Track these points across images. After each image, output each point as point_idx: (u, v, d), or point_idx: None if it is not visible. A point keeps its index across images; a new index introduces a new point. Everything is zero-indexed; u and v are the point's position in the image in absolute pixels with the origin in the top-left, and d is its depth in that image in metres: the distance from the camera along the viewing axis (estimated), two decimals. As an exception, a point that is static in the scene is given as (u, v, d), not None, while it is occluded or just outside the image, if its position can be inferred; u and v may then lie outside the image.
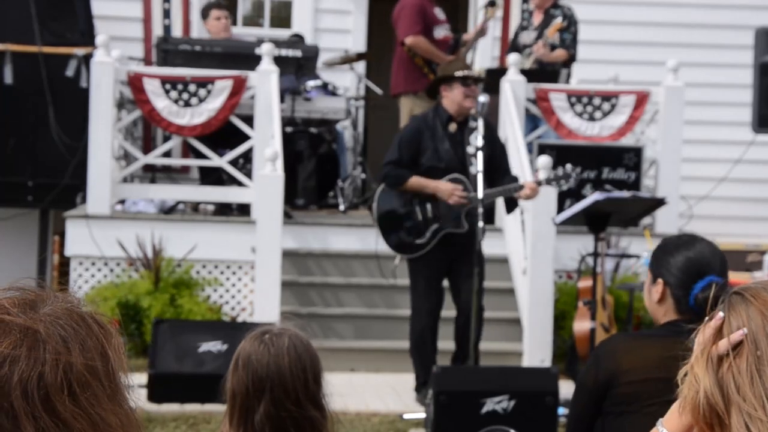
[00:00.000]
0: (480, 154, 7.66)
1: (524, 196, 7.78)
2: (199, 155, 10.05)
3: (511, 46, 10.89)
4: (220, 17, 10.77)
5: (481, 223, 7.56)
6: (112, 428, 1.59)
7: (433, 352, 7.97)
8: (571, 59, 10.56)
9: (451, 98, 7.87)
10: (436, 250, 7.83)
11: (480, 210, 7.58)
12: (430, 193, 7.82)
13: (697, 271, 3.77)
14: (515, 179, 7.97)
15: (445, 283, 8.05)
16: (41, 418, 1.52)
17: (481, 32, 10.42)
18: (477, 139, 7.70)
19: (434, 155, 7.83)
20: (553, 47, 10.46)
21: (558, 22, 10.40)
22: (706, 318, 2.12)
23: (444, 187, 7.77)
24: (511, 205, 8.09)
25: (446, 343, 8.24)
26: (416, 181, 7.81)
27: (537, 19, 10.65)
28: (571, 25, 10.51)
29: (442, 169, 7.82)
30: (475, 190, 7.71)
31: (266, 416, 2.84)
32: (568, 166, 7.91)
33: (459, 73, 7.87)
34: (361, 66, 11.66)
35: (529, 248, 9.04)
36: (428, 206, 7.86)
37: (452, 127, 7.88)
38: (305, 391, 2.86)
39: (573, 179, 7.91)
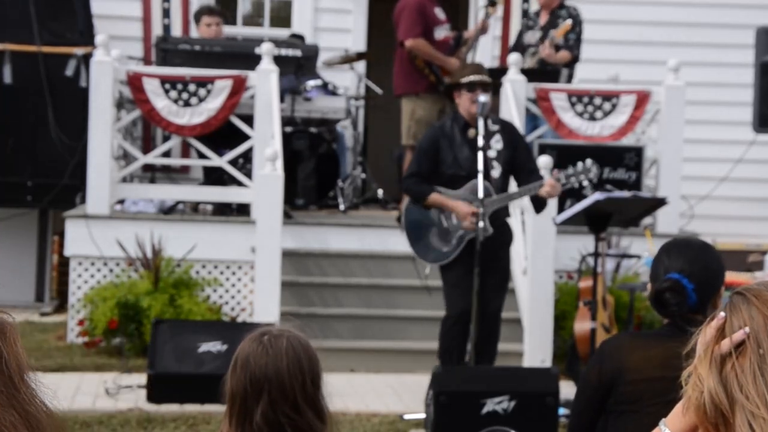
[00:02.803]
0: (480, 155, 7.65)
1: (544, 193, 7.74)
2: (199, 155, 10.04)
3: (514, 45, 10.87)
4: (211, 24, 10.72)
5: (481, 224, 7.55)
6: (4, 429, 1.49)
7: (459, 355, 7.92)
8: (574, 60, 10.55)
9: (461, 104, 7.87)
10: (464, 256, 7.81)
11: (481, 211, 7.57)
12: (449, 210, 7.82)
13: (664, 272, 3.80)
14: (541, 178, 7.90)
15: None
16: None
17: (483, 30, 10.41)
18: (479, 140, 7.69)
19: (455, 163, 7.83)
20: (557, 48, 10.45)
21: (567, 23, 10.39)
22: (708, 318, 2.12)
23: (460, 210, 7.74)
24: (538, 205, 8.01)
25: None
26: (436, 198, 7.81)
27: (543, 19, 10.64)
28: (576, 25, 10.51)
29: (464, 176, 7.80)
30: (497, 193, 7.72)
31: (264, 417, 2.83)
32: (588, 161, 7.88)
33: (464, 80, 7.86)
34: (361, 65, 11.64)
35: (530, 248, 9.03)
36: (453, 214, 7.86)
37: (471, 132, 7.87)
38: (303, 393, 2.85)
39: (594, 173, 7.87)
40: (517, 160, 7.90)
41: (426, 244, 7.94)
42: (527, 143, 8.28)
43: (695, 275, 3.75)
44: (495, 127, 7.87)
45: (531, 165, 7.97)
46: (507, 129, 7.99)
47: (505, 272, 7.96)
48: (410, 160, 8.06)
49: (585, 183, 8.33)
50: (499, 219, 7.82)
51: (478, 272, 7.55)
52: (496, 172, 7.80)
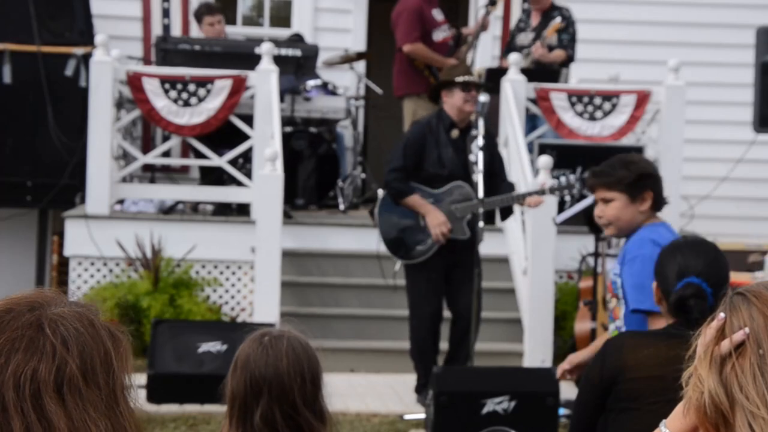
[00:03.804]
0: (481, 155, 7.63)
1: (526, 204, 7.78)
2: (199, 155, 10.03)
3: (507, 47, 10.86)
4: (214, 23, 10.71)
5: (481, 223, 7.54)
6: None
7: (434, 354, 7.95)
8: (569, 60, 10.54)
9: (451, 103, 7.84)
10: (436, 256, 7.80)
11: (480, 210, 7.56)
12: (422, 215, 7.78)
13: (678, 273, 3.75)
14: (512, 186, 7.94)
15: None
16: (28, 412, 1.53)
17: (483, 27, 10.38)
18: (478, 140, 7.67)
19: (437, 162, 7.81)
20: (550, 48, 10.43)
21: (557, 22, 10.38)
22: (708, 319, 2.11)
23: (433, 218, 7.70)
24: (505, 213, 8.06)
25: (444, 344, 8.20)
26: (414, 200, 7.78)
27: (535, 20, 10.61)
28: (569, 25, 10.49)
29: (445, 176, 7.79)
30: (476, 196, 7.70)
31: (263, 418, 2.84)
32: (572, 177, 7.88)
33: (459, 79, 7.83)
34: (361, 65, 11.63)
35: (530, 248, 9.01)
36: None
37: (454, 133, 7.85)
38: (302, 394, 2.85)
39: (576, 189, 7.87)
40: (493, 166, 7.89)
41: (399, 240, 7.90)
42: (500, 152, 8.27)
43: (712, 278, 3.72)
44: (475, 132, 7.83)
45: (502, 174, 8.00)
46: (486, 134, 7.96)
47: (478, 263, 7.89)
48: (394, 153, 7.98)
49: (567, 198, 8.34)
50: (473, 222, 7.80)
51: (479, 272, 7.55)
52: (476, 175, 7.78)
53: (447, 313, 8.06)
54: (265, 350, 2.88)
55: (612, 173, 4.94)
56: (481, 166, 7.61)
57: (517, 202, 7.80)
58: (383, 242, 7.98)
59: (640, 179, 4.90)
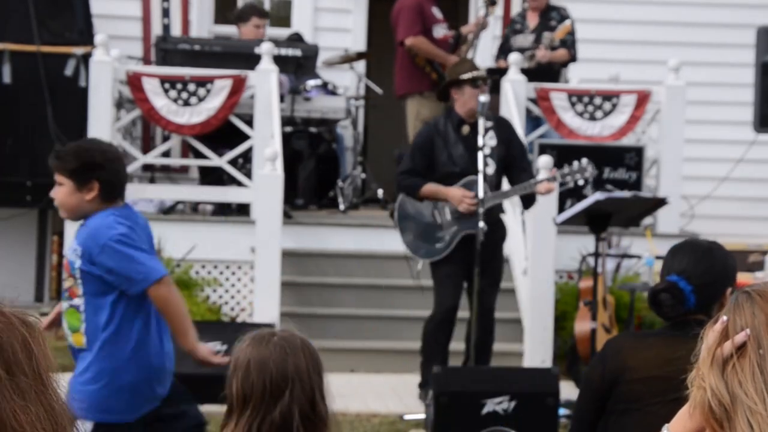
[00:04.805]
0: (480, 154, 7.64)
1: (539, 191, 7.78)
2: (199, 155, 10.02)
3: (501, 49, 10.81)
4: (260, 26, 10.69)
5: (481, 224, 7.53)
6: (19, 424, 1.57)
7: (444, 352, 7.92)
8: (572, 59, 10.53)
9: (462, 101, 7.85)
10: (456, 252, 7.81)
11: (481, 211, 7.55)
12: (443, 198, 7.82)
13: (662, 274, 3.82)
14: (533, 176, 7.92)
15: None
16: None
17: (483, 25, 10.36)
18: (480, 139, 7.68)
19: (449, 160, 7.83)
20: (552, 48, 10.41)
21: (567, 24, 10.35)
22: (711, 321, 2.13)
23: (453, 194, 7.75)
24: (527, 202, 8.02)
25: (455, 343, 8.17)
26: (429, 188, 7.82)
27: (532, 21, 10.58)
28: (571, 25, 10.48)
29: (458, 173, 7.81)
30: (492, 190, 7.71)
31: (282, 416, 2.85)
32: (584, 160, 7.87)
33: (466, 76, 7.84)
34: (361, 65, 11.62)
35: (530, 248, 9.01)
36: (446, 210, 7.85)
37: (465, 129, 7.86)
38: (320, 388, 2.90)
39: (589, 173, 7.86)
40: (510, 157, 7.89)
41: (419, 240, 7.93)
42: (521, 140, 8.26)
43: (696, 277, 3.75)
44: (489, 124, 7.86)
45: (523, 163, 7.98)
46: (501, 125, 7.99)
47: (499, 270, 7.96)
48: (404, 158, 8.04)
49: (581, 182, 8.32)
50: (493, 216, 7.81)
51: (479, 272, 7.54)
52: (490, 169, 7.81)
53: (463, 313, 8.04)
54: (282, 350, 2.89)
55: (63, 159, 4.94)
56: (481, 164, 7.61)
57: (529, 191, 7.78)
58: (404, 243, 8.01)
59: (85, 169, 4.89)
